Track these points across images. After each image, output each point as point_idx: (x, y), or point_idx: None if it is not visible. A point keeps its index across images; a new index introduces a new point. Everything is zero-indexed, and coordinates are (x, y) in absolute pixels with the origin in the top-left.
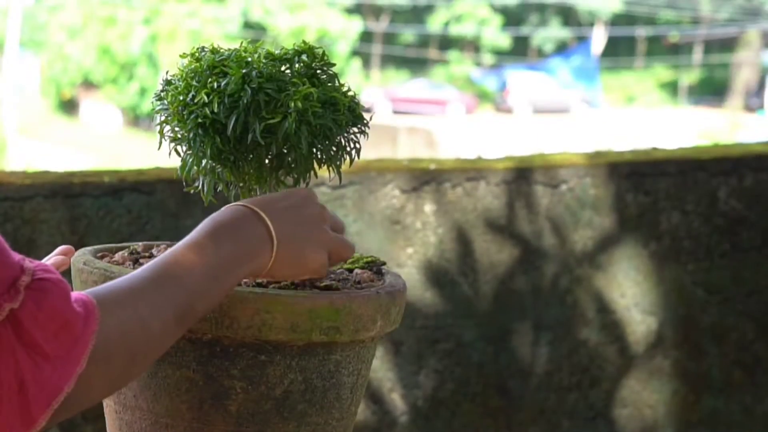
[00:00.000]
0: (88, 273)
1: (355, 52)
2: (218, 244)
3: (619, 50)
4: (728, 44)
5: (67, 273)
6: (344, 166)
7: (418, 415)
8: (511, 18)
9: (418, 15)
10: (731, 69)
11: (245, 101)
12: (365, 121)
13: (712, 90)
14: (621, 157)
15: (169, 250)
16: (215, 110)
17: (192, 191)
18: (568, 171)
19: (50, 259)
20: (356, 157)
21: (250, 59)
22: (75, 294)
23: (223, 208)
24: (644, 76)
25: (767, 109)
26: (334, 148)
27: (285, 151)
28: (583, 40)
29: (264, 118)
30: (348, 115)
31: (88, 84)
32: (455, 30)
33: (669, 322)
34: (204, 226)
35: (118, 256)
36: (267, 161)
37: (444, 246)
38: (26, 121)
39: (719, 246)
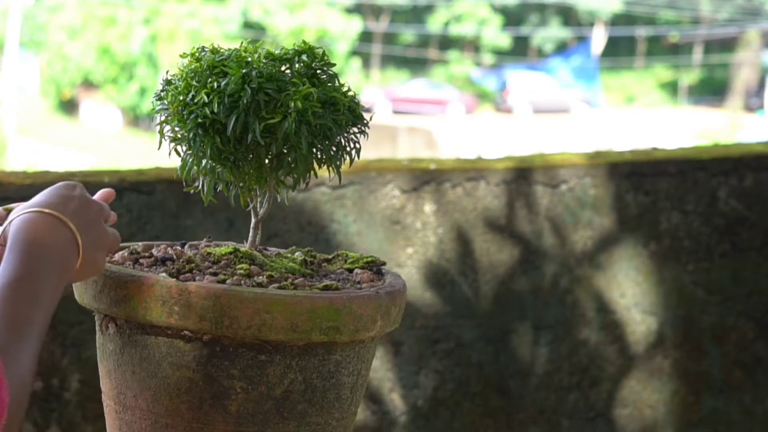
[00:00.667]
0: None
1: (354, 52)
2: (39, 265)
3: (619, 50)
4: (728, 44)
5: None
6: (344, 166)
7: (418, 415)
8: (511, 18)
9: (418, 15)
10: (731, 69)
11: (245, 101)
12: (365, 121)
13: (712, 90)
14: (621, 157)
15: (1, 286)
16: (215, 110)
17: (192, 191)
18: (568, 171)
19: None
20: (356, 157)
21: (250, 59)
22: None
23: (22, 219)
24: (644, 76)
25: (767, 109)
26: (334, 148)
27: (285, 151)
28: (583, 40)
29: (264, 118)
30: (348, 115)
31: (88, 84)
32: (455, 30)
33: (669, 322)
34: (18, 248)
35: (118, 256)
36: (267, 161)
37: (444, 246)
38: (26, 121)
39: (719, 246)
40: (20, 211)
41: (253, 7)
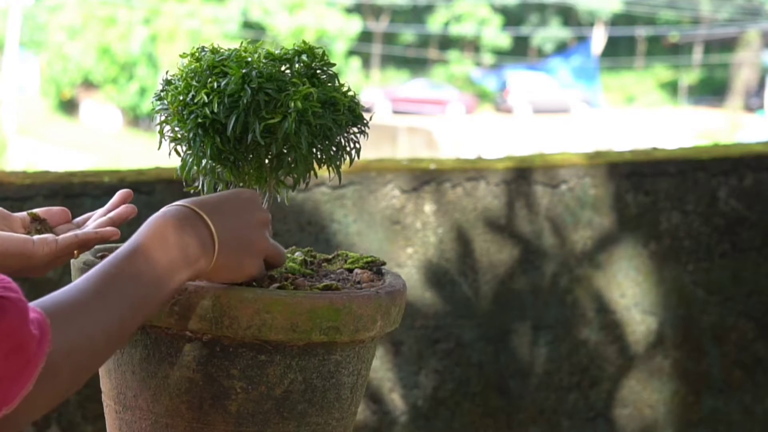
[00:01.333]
0: None
1: (354, 52)
2: (161, 251)
3: (619, 50)
4: (728, 44)
5: (67, 273)
6: (344, 166)
7: (418, 415)
8: (511, 18)
9: (418, 15)
10: (731, 69)
11: (245, 101)
12: (365, 121)
13: (712, 90)
14: (621, 157)
15: (112, 256)
16: (215, 110)
17: (192, 191)
18: (568, 171)
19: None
20: (356, 157)
21: (250, 59)
22: (30, 310)
23: (164, 209)
24: (644, 76)
25: (767, 109)
26: (334, 148)
27: (285, 151)
28: (583, 40)
29: (264, 118)
30: (348, 115)
31: (88, 84)
32: (455, 30)
33: (669, 322)
34: (147, 230)
35: None
36: (267, 161)
37: (444, 246)
38: (26, 121)
39: (719, 246)
40: (173, 204)
41: (252, 7)
